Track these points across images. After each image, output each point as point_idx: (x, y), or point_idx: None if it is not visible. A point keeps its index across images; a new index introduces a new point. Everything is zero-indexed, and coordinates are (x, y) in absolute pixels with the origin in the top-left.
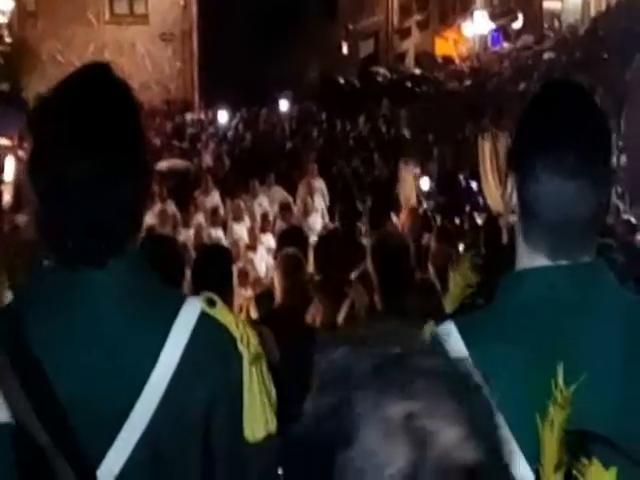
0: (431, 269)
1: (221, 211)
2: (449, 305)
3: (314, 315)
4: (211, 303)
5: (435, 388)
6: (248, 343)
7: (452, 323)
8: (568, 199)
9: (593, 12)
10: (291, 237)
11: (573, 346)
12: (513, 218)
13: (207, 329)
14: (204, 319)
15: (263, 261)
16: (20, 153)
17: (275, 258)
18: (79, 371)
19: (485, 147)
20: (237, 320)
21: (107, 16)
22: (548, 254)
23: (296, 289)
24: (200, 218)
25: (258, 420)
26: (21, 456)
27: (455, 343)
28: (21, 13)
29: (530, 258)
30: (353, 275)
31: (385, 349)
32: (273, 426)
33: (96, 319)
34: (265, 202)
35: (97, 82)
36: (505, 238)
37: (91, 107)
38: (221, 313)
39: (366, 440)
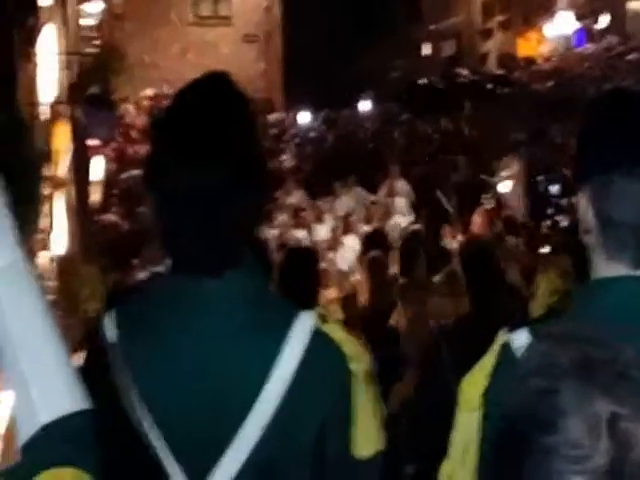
0: (517, 272)
1: (303, 212)
2: (536, 310)
3: (398, 318)
4: (323, 319)
5: None
6: (359, 361)
7: (526, 332)
8: None
9: None
10: (375, 240)
11: None
12: (588, 238)
13: (320, 346)
14: (317, 335)
15: (345, 262)
16: (107, 153)
17: (360, 261)
18: (191, 378)
19: None
20: (349, 337)
21: (191, 18)
22: (629, 263)
23: (380, 292)
24: (283, 218)
25: (368, 437)
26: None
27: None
28: (109, 15)
29: (609, 267)
30: (437, 278)
31: (588, 349)
32: (382, 443)
33: (210, 328)
34: (347, 203)
35: (218, 93)
36: None
37: (211, 118)
38: (333, 329)
39: (571, 430)
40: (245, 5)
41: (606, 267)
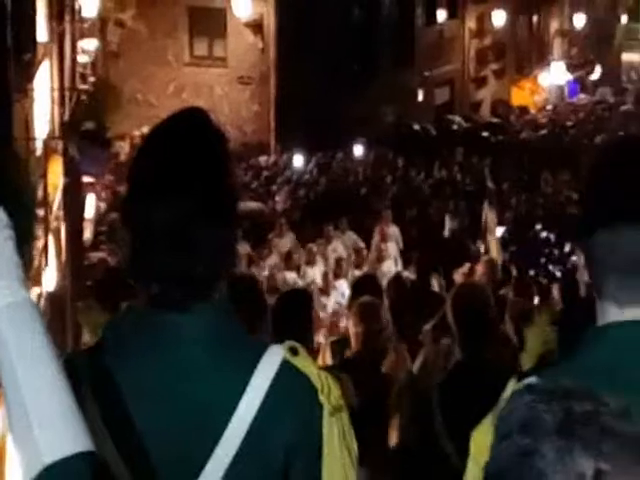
0: (508, 321)
1: (295, 255)
2: (527, 360)
3: (389, 365)
4: (293, 352)
5: (626, 451)
6: (329, 394)
7: (536, 380)
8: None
9: None
10: (365, 285)
11: None
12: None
13: (288, 377)
14: (285, 367)
15: (337, 306)
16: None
17: (349, 306)
18: (161, 411)
19: None
20: (319, 370)
21: (187, 58)
22: (627, 306)
23: (371, 337)
24: (274, 260)
25: (337, 473)
26: None
27: None
28: (105, 53)
29: (615, 313)
30: (428, 326)
31: (572, 404)
32: (351, 478)
33: (179, 362)
34: (339, 247)
35: (192, 129)
36: (583, 292)
37: (184, 154)
38: (303, 362)
39: None
40: (240, 47)
41: (613, 313)
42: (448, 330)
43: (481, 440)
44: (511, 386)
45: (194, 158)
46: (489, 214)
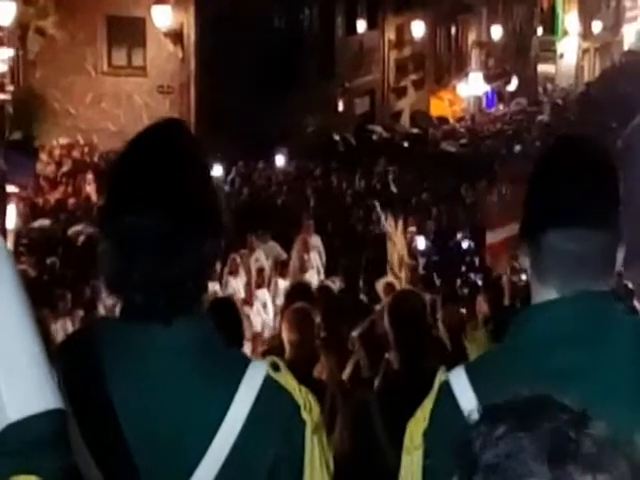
0: (442, 328)
1: (217, 265)
2: None
3: (320, 372)
4: (275, 367)
5: (607, 456)
6: (311, 411)
7: (462, 368)
8: (576, 258)
9: (587, 76)
10: (299, 292)
11: (583, 380)
12: (526, 262)
13: (271, 393)
14: (269, 383)
15: (259, 316)
16: (18, 201)
17: (282, 313)
18: (144, 424)
19: None
20: (300, 386)
21: (105, 67)
22: (556, 288)
23: (305, 344)
24: None
25: None
26: None
27: (463, 387)
28: (24, 62)
29: (541, 294)
30: (355, 333)
31: (545, 426)
32: None
33: (160, 376)
34: (262, 257)
35: (171, 140)
36: (507, 300)
37: (165, 164)
38: (285, 378)
39: None
40: (160, 56)
41: (539, 295)
42: (375, 337)
43: (412, 431)
44: (439, 376)
45: (176, 169)
46: (389, 219)
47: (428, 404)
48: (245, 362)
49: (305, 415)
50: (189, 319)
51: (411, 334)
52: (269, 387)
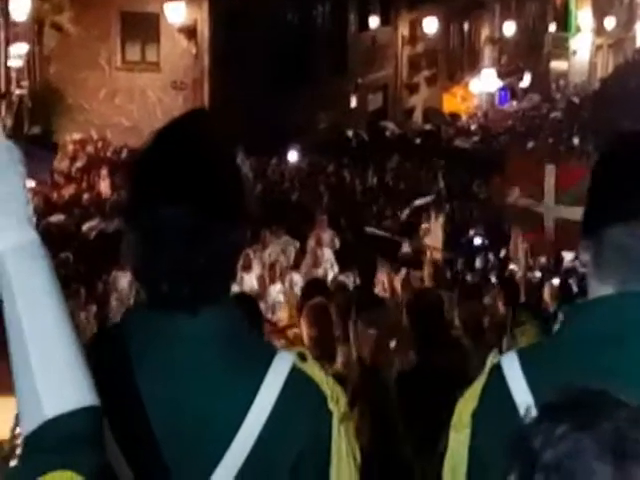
0: (459, 325)
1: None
2: None
3: (338, 367)
4: (302, 358)
5: None
6: (338, 401)
7: (515, 354)
8: (637, 256)
9: (600, 73)
10: (315, 288)
11: (632, 378)
12: (585, 258)
13: (298, 384)
14: (295, 373)
15: (271, 310)
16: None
17: (300, 308)
18: (169, 414)
19: None
20: (327, 377)
21: (119, 62)
22: (617, 284)
23: (324, 339)
24: None
25: (345, 479)
26: None
27: (515, 374)
28: (40, 58)
29: (598, 291)
30: (372, 330)
31: (605, 426)
32: None
33: (186, 366)
34: (275, 252)
35: (198, 131)
36: (523, 296)
37: (189, 158)
38: (312, 369)
39: None
40: (173, 52)
41: (597, 289)
42: (394, 334)
43: (460, 412)
44: (491, 359)
45: (201, 159)
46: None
47: (478, 385)
48: (272, 352)
49: (332, 406)
50: (215, 309)
51: (428, 331)
52: (296, 377)
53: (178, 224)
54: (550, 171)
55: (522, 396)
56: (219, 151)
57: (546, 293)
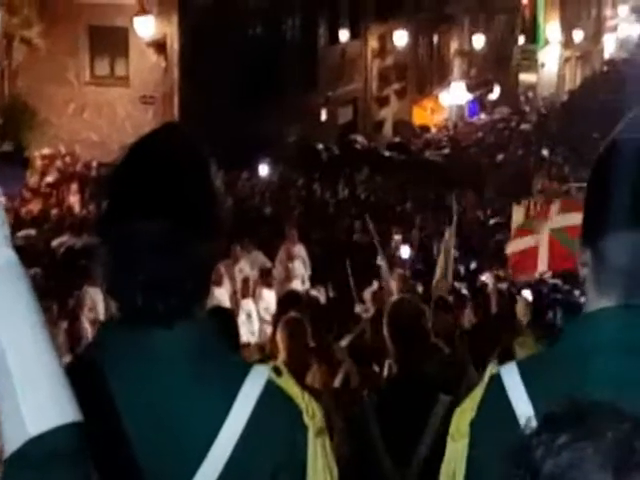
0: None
1: None
2: None
3: (312, 381)
4: (277, 372)
5: None
6: (314, 416)
7: (514, 364)
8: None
9: (568, 85)
10: (290, 301)
11: (633, 390)
12: (584, 271)
13: (273, 398)
14: (271, 388)
15: (244, 326)
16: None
17: (275, 322)
18: (143, 428)
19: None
20: (302, 392)
21: (87, 77)
22: (618, 297)
23: (299, 352)
24: None
25: None
26: None
27: (515, 383)
28: (9, 72)
29: (599, 301)
30: (344, 342)
31: (609, 436)
32: None
33: (161, 381)
34: (246, 267)
35: (173, 144)
36: (494, 308)
37: (166, 167)
38: (287, 383)
39: None
40: (143, 66)
41: (597, 301)
42: (365, 347)
43: (459, 421)
44: (490, 369)
45: (176, 174)
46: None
47: (476, 395)
48: (247, 366)
49: (307, 420)
50: (190, 323)
51: (409, 341)
52: (271, 392)
53: (152, 238)
54: None
55: (522, 407)
56: (193, 165)
57: (519, 306)
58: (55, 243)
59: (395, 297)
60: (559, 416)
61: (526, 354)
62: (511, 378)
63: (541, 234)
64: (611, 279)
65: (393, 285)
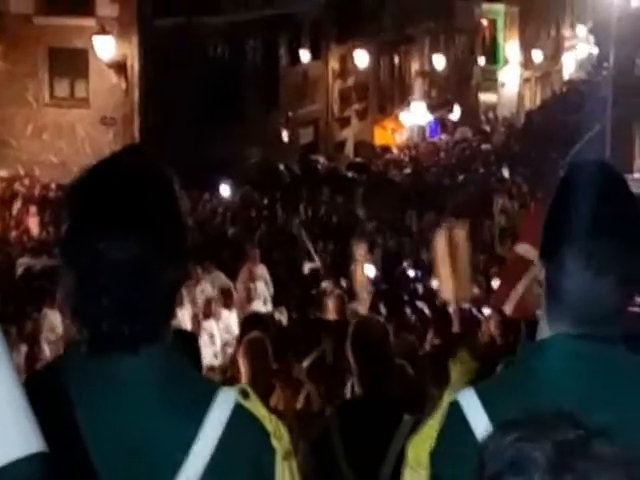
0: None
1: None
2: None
3: (276, 402)
4: (244, 395)
5: (616, 474)
6: (281, 438)
7: (472, 390)
8: (595, 294)
9: (528, 105)
10: (253, 322)
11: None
12: (539, 291)
13: (241, 421)
14: (239, 411)
15: (207, 347)
16: None
17: (238, 343)
18: (111, 461)
19: (440, 237)
20: (270, 414)
21: (47, 98)
22: (570, 326)
23: (262, 374)
24: None
25: None
26: None
27: (475, 409)
28: None
29: (552, 325)
30: (305, 363)
31: (557, 436)
32: None
33: (127, 407)
34: (208, 288)
35: (135, 167)
36: (456, 327)
37: (132, 189)
38: (255, 406)
39: None
40: (103, 87)
41: (550, 328)
42: (325, 367)
43: (417, 449)
44: (447, 397)
45: (140, 196)
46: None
47: (434, 423)
48: (214, 389)
49: (275, 443)
50: (156, 347)
51: (373, 361)
52: (239, 415)
53: (116, 261)
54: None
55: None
56: (157, 187)
57: (492, 326)
58: (18, 264)
59: (357, 317)
60: (515, 420)
61: (462, 370)
62: (471, 406)
63: None
64: (564, 305)
65: (359, 305)
